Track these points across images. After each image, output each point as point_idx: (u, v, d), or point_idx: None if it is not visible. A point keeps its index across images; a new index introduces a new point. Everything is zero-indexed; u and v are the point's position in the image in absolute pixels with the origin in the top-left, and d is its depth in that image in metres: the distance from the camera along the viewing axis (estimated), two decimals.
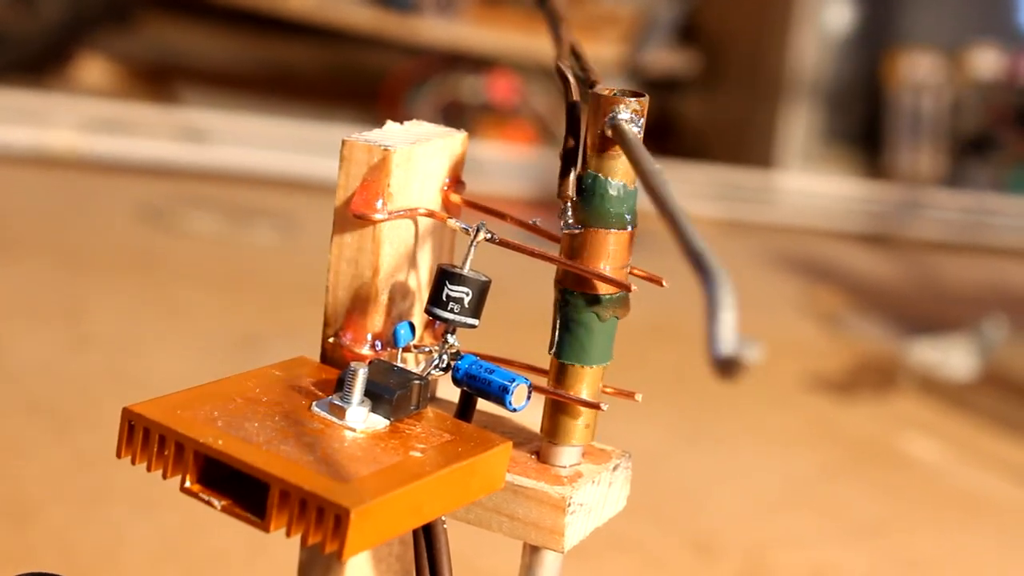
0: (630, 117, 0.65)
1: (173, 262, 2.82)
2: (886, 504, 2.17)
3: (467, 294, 0.66)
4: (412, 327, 0.67)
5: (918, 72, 4.02)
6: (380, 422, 0.63)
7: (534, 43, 3.87)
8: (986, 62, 4.05)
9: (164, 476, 0.60)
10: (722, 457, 2.26)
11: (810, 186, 3.96)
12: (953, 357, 2.59)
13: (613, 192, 0.66)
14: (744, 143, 4.16)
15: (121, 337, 2.37)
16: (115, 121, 3.54)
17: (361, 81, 4.26)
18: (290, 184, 3.41)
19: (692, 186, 3.83)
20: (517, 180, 3.57)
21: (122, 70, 4.29)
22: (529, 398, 0.66)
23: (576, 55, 0.72)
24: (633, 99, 0.66)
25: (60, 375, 2.17)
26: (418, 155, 0.68)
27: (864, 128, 4.18)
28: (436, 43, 3.89)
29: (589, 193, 0.66)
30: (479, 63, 3.81)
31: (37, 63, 4.08)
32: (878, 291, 3.34)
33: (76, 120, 3.50)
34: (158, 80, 4.28)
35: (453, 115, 3.62)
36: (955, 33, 4.12)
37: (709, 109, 4.37)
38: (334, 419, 0.63)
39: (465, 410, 0.68)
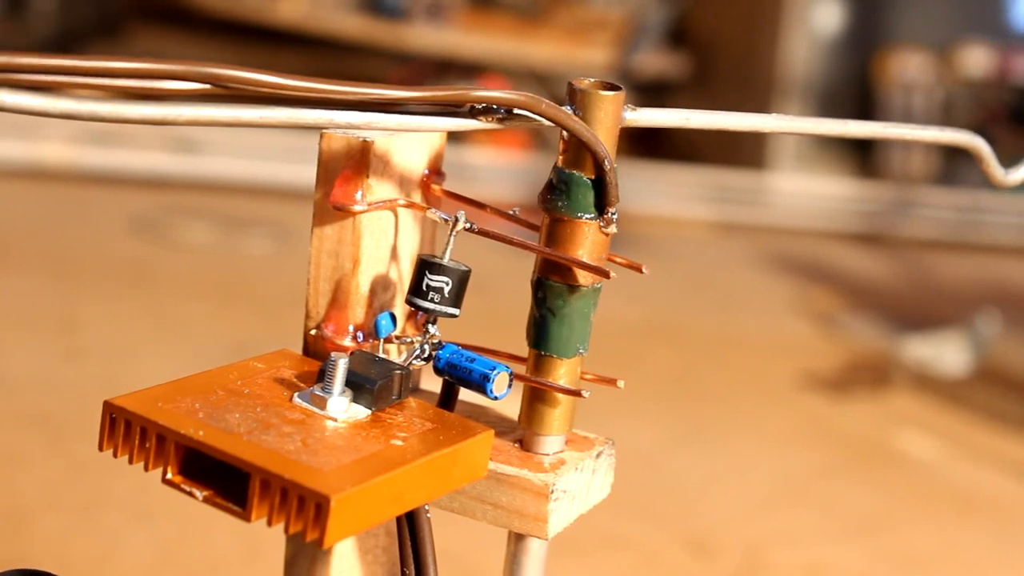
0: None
1: (166, 273, 2.82)
2: (882, 501, 2.17)
3: (447, 283, 0.66)
4: (393, 318, 0.67)
5: (908, 71, 4.03)
6: (361, 412, 0.63)
7: (524, 48, 3.87)
8: (976, 60, 4.06)
9: (146, 468, 0.60)
10: (719, 456, 2.27)
11: (802, 187, 3.96)
12: (947, 353, 2.59)
13: (584, 182, 0.66)
14: (736, 145, 4.16)
15: (115, 347, 2.38)
16: (107, 133, 3.54)
17: None
18: (283, 193, 3.41)
19: (685, 188, 3.83)
20: (510, 185, 3.57)
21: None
22: (511, 386, 0.66)
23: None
24: (609, 92, 0.66)
25: (54, 385, 2.17)
26: (397, 146, 0.68)
27: None
28: (426, 50, 3.90)
29: (567, 184, 0.66)
30: (470, 69, 3.82)
31: None
32: (872, 290, 3.34)
33: (68, 132, 3.50)
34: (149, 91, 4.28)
35: None
36: (945, 32, 4.13)
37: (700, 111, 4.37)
38: (315, 409, 0.63)
39: (447, 399, 0.68)
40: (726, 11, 4.40)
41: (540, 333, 0.68)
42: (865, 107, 4.14)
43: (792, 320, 3.02)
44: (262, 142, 3.65)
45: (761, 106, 4.10)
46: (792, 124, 0.75)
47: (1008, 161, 0.86)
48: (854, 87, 4.18)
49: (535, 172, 3.60)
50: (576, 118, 0.64)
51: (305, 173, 3.42)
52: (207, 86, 0.56)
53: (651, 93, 4.20)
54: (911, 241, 3.81)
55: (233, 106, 0.56)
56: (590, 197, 0.66)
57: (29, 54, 0.54)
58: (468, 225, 0.67)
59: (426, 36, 3.85)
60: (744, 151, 4.11)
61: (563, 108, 0.64)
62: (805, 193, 3.94)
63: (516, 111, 0.64)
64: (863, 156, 4.17)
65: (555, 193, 0.66)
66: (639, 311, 2.74)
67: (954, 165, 4.09)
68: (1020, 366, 2.81)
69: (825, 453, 2.32)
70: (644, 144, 4.01)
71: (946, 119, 4.09)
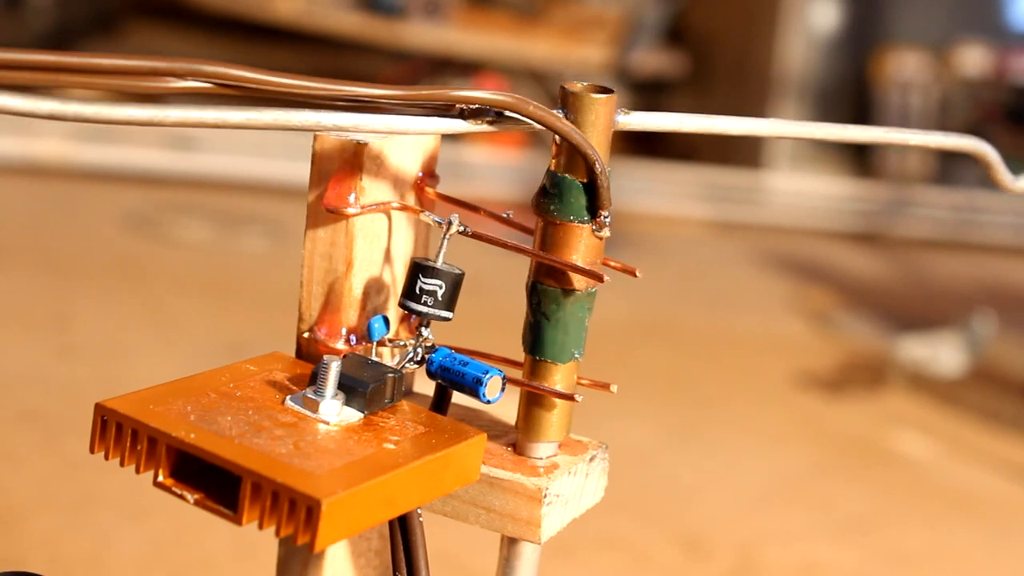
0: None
1: (161, 270, 2.82)
2: (876, 500, 2.17)
3: (440, 287, 0.66)
4: (386, 321, 0.67)
5: (905, 70, 4.02)
6: (354, 415, 0.63)
7: (521, 46, 3.87)
8: (973, 59, 4.06)
9: (137, 470, 0.60)
10: (713, 455, 2.26)
11: (799, 186, 3.96)
12: (942, 353, 2.59)
13: (577, 186, 0.66)
14: (733, 144, 4.16)
15: (109, 345, 2.37)
16: (103, 129, 3.53)
17: None
18: (279, 191, 3.41)
19: (681, 187, 3.83)
20: (506, 184, 3.57)
21: None
22: (503, 390, 0.66)
23: None
24: (601, 95, 0.65)
25: (48, 383, 2.17)
26: (391, 148, 0.68)
27: None
28: (423, 48, 3.89)
29: (559, 187, 0.66)
30: (467, 67, 3.82)
31: None
32: (868, 289, 3.34)
33: (64, 129, 3.49)
34: None
35: None
36: (942, 31, 4.13)
37: (697, 110, 4.37)
38: (308, 412, 0.63)
39: (440, 403, 0.67)
40: (723, 9, 4.40)
41: (535, 338, 0.67)
42: (862, 106, 4.14)
43: (788, 319, 3.02)
44: (258, 139, 3.64)
45: (758, 104, 4.09)
46: (789, 128, 0.74)
47: (1005, 160, 0.86)
48: (851, 86, 4.18)
49: (532, 171, 3.60)
50: (566, 121, 0.64)
51: (302, 171, 3.40)
52: (196, 83, 0.55)
53: (648, 91, 4.20)
54: (907, 240, 3.81)
55: (221, 108, 0.56)
56: (583, 200, 0.66)
57: (18, 51, 0.53)
58: (462, 228, 0.67)
59: (423, 34, 3.85)
60: (740, 150, 4.11)
61: (553, 111, 0.64)
62: (801, 192, 3.93)
63: (506, 113, 0.64)
64: (859, 155, 4.17)
65: (547, 197, 0.66)
66: (634, 310, 2.74)
67: (950, 165, 4.09)
68: (1015, 366, 2.81)
69: (820, 452, 2.32)
70: (640, 143, 4.01)
71: (943, 119, 4.09)
